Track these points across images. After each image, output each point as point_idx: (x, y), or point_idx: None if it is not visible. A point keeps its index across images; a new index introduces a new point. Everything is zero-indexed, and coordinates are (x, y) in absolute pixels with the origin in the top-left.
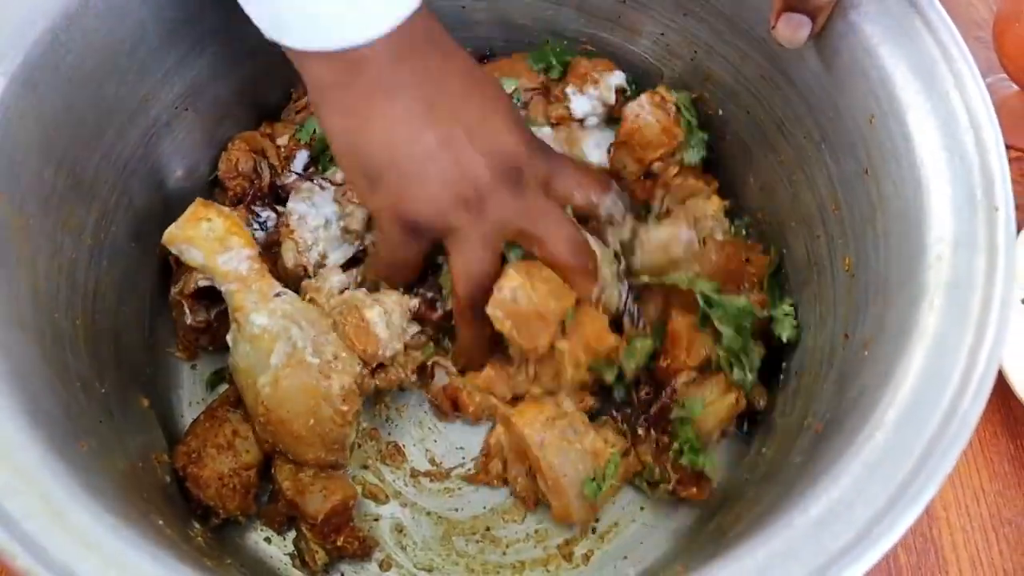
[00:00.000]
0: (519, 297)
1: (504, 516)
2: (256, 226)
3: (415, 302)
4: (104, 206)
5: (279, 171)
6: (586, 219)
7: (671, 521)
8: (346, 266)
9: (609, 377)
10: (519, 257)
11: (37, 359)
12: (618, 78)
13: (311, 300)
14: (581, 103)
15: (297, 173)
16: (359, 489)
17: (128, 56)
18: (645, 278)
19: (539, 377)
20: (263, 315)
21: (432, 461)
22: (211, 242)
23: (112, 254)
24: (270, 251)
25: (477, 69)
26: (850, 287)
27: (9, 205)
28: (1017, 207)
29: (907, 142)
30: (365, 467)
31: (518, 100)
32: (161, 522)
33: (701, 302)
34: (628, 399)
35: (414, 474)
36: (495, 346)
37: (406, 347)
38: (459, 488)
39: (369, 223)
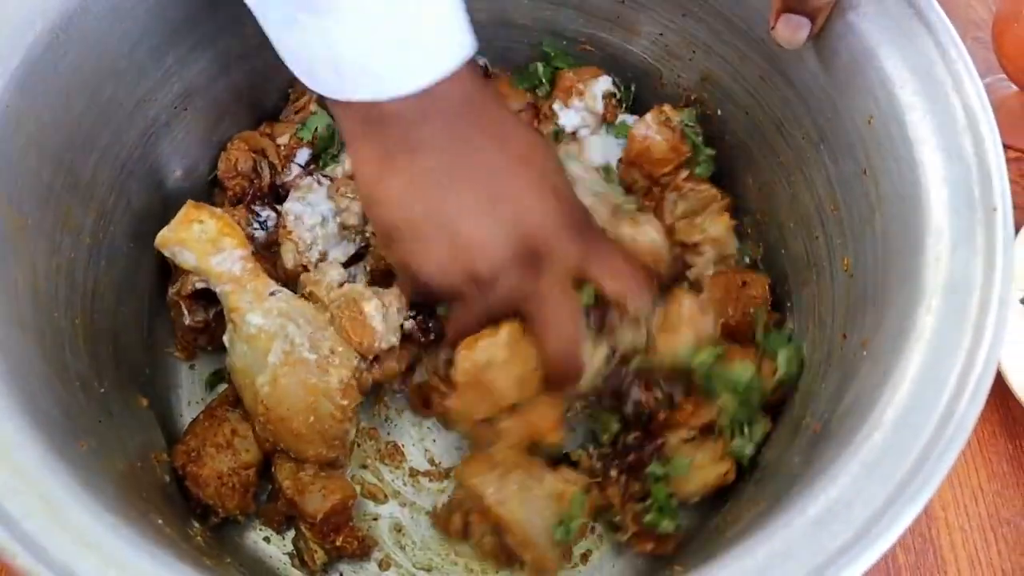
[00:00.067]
0: (491, 368)
1: None
2: (256, 226)
3: (410, 323)
4: (103, 206)
5: (279, 170)
6: (607, 304)
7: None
8: (349, 263)
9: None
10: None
11: (36, 359)
12: (604, 84)
13: (310, 294)
14: (569, 117)
15: (299, 165)
16: (358, 489)
17: (127, 56)
18: (637, 360)
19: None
20: (258, 315)
21: (431, 461)
22: (203, 244)
23: (111, 254)
24: (270, 250)
25: (521, 137)
26: (849, 287)
27: (8, 205)
28: (1015, 207)
29: (905, 142)
30: (364, 467)
31: None
32: (160, 521)
33: (702, 380)
34: (613, 439)
35: (413, 474)
36: None
37: (402, 341)
38: None
39: (366, 216)
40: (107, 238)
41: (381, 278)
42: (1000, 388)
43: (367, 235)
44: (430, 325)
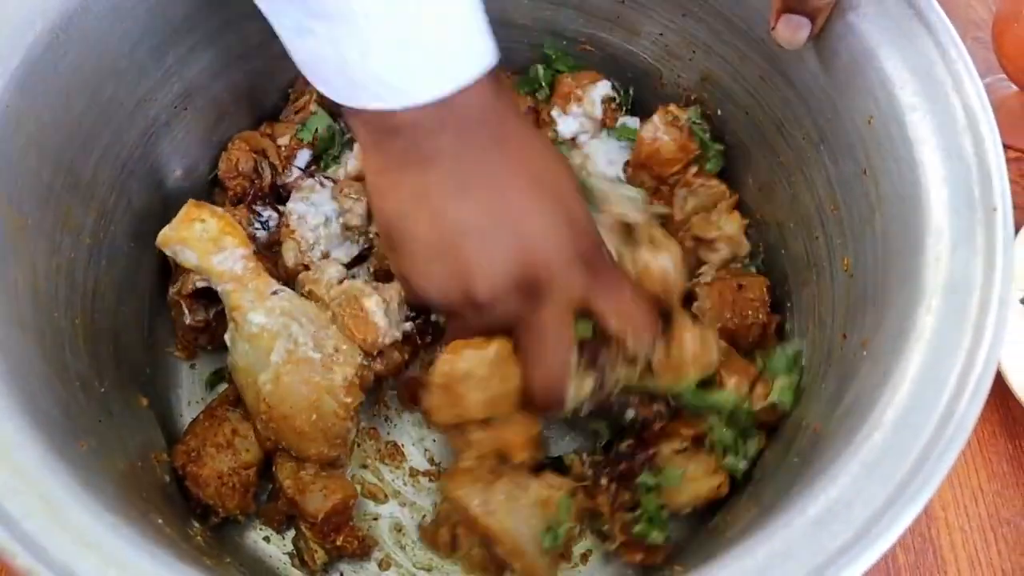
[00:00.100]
0: (467, 380)
1: None
2: (258, 226)
3: (409, 325)
4: (103, 206)
5: (280, 170)
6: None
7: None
8: (352, 264)
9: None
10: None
11: (36, 359)
12: (603, 89)
13: (310, 292)
14: (568, 124)
15: (299, 168)
16: (358, 488)
17: (127, 56)
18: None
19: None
20: (260, 313)
21: (431, 460)
22: (205, 243)
23: (111, 254)
24: (271, 250)
25: (538, 155)
26: (849, 287)
27: (8, 205)
28: (1015, 207)
29: (905, 143)
30: (364, 466)
31: None
32: (160, 521)
33: (686, 400)
34: (607, 445)
35: (413, 473)
36: None
37: (404, 336)
38: None
39: (369, 218)
40: (107, 238)
41: (384, 277)
42: (1000, 388)
43: (370, 236)
44: (429, 328)
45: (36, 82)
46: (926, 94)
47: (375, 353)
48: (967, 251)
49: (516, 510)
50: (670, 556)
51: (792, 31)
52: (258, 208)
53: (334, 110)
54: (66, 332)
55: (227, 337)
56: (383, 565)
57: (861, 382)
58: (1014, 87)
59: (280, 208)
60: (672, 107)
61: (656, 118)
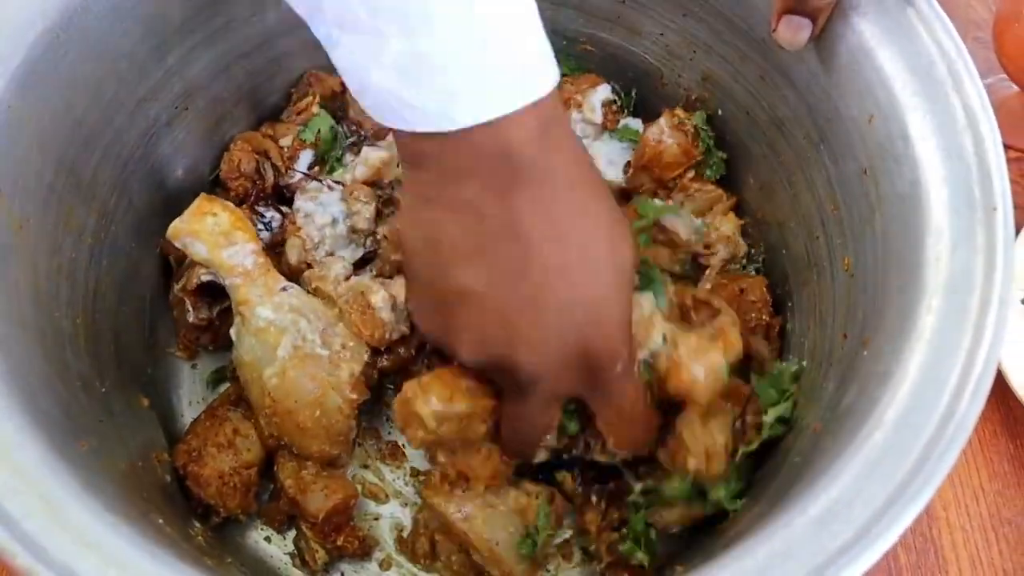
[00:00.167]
0: (438, 419)
1: None
2: (261, 227)
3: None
4: (104, 206)
5: (282, 171)
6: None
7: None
8: (357, 266)
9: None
10: None
11: (37, 358)
12: (603, 93)
13: (316, 289)
14: None
15: (302, 172)
16: (359, 488)
17: (128, 56)
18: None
19: None
20: (268, 308)
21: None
22: (216, 236)
23: (112, 254)
24: (274, 251)
25: (582, 227)
26: (849, 287)
27: (9, 205)
28: (1015, 207)
29: (906, 142)
30: (365, 466)
31: None
32: (161, 521)
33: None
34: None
35: (414, 473)
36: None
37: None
38: None
39: (377, 220)
40: (108, 238)
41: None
42: (1001, 388)
43: (377, 239)
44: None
45: (37, 82)
46: (926, 94)
47: (382, 349)
48: (967, 251)
49: (493, 517)
50: (659, 570)
51: (793, 32)
52: (260, 209)
53: (336, 111)
54: (67, 332)
55: (232, 332)
56: (384, 565)
57: (861, 382)
58: (1015, 87)
59: (283, 209)
60: (679, 110)
61: (662, 120)
